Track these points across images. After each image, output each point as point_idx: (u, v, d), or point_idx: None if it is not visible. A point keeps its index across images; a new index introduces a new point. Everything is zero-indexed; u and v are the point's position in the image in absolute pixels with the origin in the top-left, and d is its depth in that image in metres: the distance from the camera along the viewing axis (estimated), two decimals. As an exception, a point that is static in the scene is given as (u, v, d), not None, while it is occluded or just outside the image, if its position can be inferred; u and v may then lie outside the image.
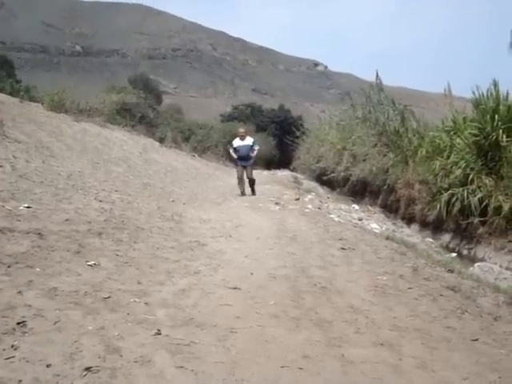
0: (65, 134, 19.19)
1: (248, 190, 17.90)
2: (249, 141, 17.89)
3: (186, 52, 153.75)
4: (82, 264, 5.82)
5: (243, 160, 17.60)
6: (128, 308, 4.72)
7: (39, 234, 6.54)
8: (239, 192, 17.73)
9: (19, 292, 4.58)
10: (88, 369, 3.49)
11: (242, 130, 18.87)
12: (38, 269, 5.32)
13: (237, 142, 17.85)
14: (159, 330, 4.26)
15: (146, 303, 4.94)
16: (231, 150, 18.14)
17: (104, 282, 5.37)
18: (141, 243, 7.50)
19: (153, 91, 60.11)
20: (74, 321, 4.21)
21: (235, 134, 19.90)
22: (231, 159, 20.56)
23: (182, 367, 3.73)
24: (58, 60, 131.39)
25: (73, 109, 25.22)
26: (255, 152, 17.84)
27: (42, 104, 24.22)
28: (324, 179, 26.39)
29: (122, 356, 3.74)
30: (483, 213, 12.17)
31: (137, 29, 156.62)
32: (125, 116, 33.37)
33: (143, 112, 38.25)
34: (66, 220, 7.82)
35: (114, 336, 4.04)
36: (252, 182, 17.84)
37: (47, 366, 3.46)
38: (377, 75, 21.52)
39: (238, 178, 17.85)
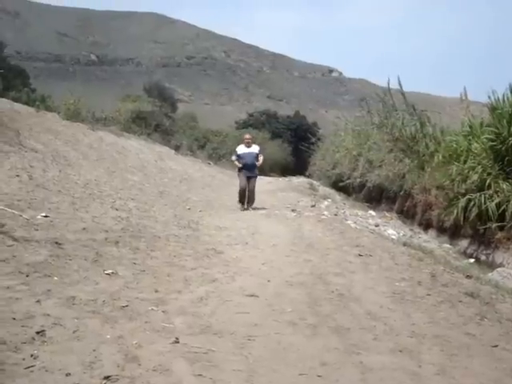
0: (81, 142, 19.33)
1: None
2: (255, 148, 16.12)
3: (200, 60, 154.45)
4: (100, 273, 5.84)
5: (248, 169, 15.73)
6: (146, 316, 4.73)
7: (57, 242, 6.57)
8: (239, 205, 15.74)
9: (38, 301, 4.60)
10: (107, 378, 3.49)
11: (248, 135, 17.09)
12: (56, 278, 5.35)
13: (241, 149, 16.03)
14: (177, 339, 4.26)
15: (163, 311, 4.94)
16: (234, 158, 16.25)
17: (122, 290, 5.38)
18: (158, 251, 7.51)
19: (168, 99, 60.43)
20: (92, 329, 4.22)
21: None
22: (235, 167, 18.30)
23: (200, 375, 3.72)
24: (73, 69, 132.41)
25: (89, 118, 25.44)
26: (260, 161, 15.99)
27: (58, 113, 24.41)
28: (340, 185, 26.33)
29: (140, 365, 3.74)
30: (501, 218, 12.11)
31: (151, 37, 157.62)
32: (140, 124, 33.65)
33: (158, 120, 38.53)
34: (83, 229, 7.86)
35: (133, 344, 4.04)
36: (252, 195, 15.83)
37: (66, 375, 3.46)
38: (399, 82, 21.38)
39: (240, 188, 15.77)
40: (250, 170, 15.74)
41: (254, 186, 15.89)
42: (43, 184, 10.77)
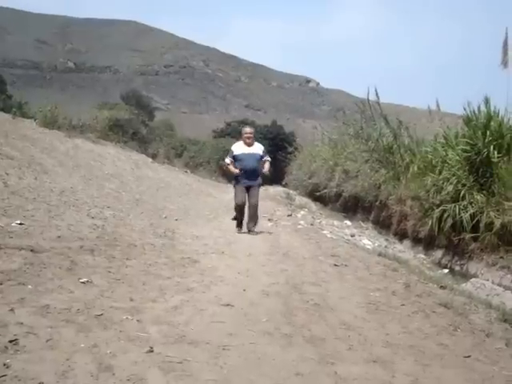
0: (57, 150, 19.21)
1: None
2: (258, 148, 12.41)
3: (178, 68, 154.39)
4: (75, 281, 5.80)
5: (248, 177, 12.17)
6: (120, 325, 4.70)
7: (31, 250, 6.52)
8: (236, 228, 12.44)
9: (11, 309, 4.56)
10: (80, 387, 3.47)
11: (249, 129, 12.77)
12: (30, 286, 5.31)
13: (239, 149, 12.32)
14: (152, 348, 4.23)
15: (138, 320, 4.92)
16: (228, 161, 12.45)
17: (96, 299, 5.35)
18: (133, 260, 7.48)
19: (145, 107, 60.47)
20: (66, 338, 4.19)
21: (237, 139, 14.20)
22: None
23: (174, 385, 3.71)
24: (51, 76, 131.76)
25: (65, 125, 25.30)
26: (267, 166, 12.42)
27: (35, 120, 24.28)
28: (316, 195, 26.40)
29: (114, 374, 3.71)
30: (475, 229, 12.20)
31: (129, 45, 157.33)
32: (117, 132, 33.56)
33: (135, 128, 38.48)
34: (59, 237, 7.82)
35: (107, 354, 4.02)
36: (254, 212, 12.33)
37: (39, 384, 3.44)
38: (376, 92, 21.53)
39: (236, 204, 12.28)
40: (250, 177, 12.20)
41: (257, 200, 12.40)
42: (18, 191, 10.71)
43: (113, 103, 50.45)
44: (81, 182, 15.48)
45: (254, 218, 12.33)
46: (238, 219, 12.44)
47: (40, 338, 4.12)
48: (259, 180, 12.42)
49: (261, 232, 12.45)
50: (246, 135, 12.33)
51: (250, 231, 12.17)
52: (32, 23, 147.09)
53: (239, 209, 12.29)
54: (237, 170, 12.10)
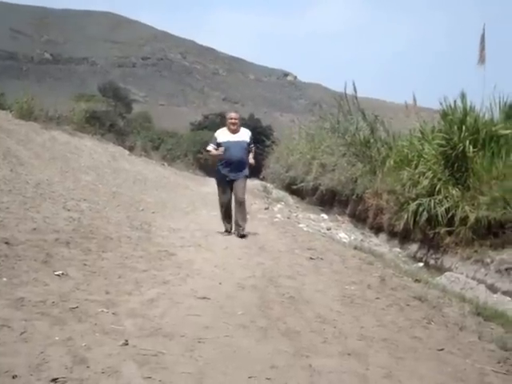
0: (33, 142, 19.04)
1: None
2: (244, 135, 11.04)
3: (155, 61, 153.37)
4: (50, 274, 5.78)
5: (233, 168, 10.82)
6: (96, 318, 4.68)
7: (6, 243, 6.47)
8: (223, 228, 11.15)
9: (-15, 302, 4.54)
10: (55, 380, 3.45)
11: (234, 114, 11.26)
12: (4, 278, 5.28)
13: (224, 135, 10.90)
14: (127, 341, 4.23)
15: (113, 313, 4.90)
16: (211, 148, 10.93)
17: (72, 292, 5.33)
18: (109, 253, 7.46)
19: (122, 99, 59.91)
20: (40, 331, 4.17)
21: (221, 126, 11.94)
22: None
23: (149, 378, 3.70)
24: (27, 67, 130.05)
25: (42, 117, 25.06)
26: (251, 156, 11.17)
27: (11, 112, 24.03)
28: (293, 188, 26.48)
29: (89, 367, 3.71)
30: (450, 223, 12.31)
31: (107, 37, 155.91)
32: (94, 124, 33.30)
33: (113, 120, 38.27)
34: (34, 229, 7.76)
35: (82, 347, 4.00)
36: (242, 210, 10.87)
37: (13, 377, 3.41)
38: (353, 86, 21.62)
39: (221, 202, 11.06)
40: (236, 168, 10.81)
41: (244, 193, 10.98)
42: (-7, 183, 10.62)
43: (90, 95, 50.12)
44: (57, 174, 15.36)
45: (242, 218, 10.88)
46: (225, 220, 11.13)
47: (14, 330, 4.10)
48: (246, 171, 10.99)
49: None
50: (230, 121, 10.90)
51: (240, 235, 10.70)
52: (8, 13, 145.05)
53: (225, 209, 11.03)
54: (219, 152, 10.64)
